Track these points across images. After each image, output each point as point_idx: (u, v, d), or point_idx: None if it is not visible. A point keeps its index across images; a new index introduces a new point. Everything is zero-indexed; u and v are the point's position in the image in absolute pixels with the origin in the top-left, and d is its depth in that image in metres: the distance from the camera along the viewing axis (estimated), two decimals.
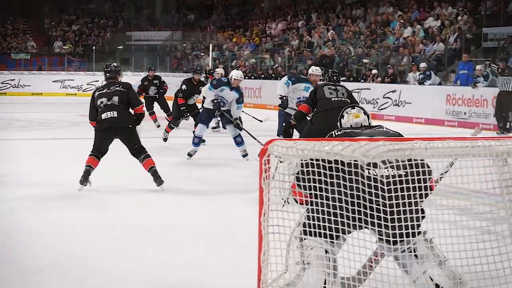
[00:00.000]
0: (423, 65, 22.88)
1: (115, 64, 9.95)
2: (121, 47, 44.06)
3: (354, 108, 5.60)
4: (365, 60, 27.05)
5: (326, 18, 34.55)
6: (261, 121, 15.47)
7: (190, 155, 12.52)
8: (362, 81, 25.56)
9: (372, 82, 24.83)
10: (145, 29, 46.45)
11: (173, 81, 31.98)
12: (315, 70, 12.15)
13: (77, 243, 6.70)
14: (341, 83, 10.50)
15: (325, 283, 4.45)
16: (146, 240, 6.86)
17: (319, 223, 4.40)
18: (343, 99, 9.59)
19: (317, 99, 9.71)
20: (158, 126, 18.37)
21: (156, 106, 18.75)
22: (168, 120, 17.43)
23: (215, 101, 12.36)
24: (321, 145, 3.86)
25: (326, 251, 4.52)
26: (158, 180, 9.18)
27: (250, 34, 38.90)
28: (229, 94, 12.44)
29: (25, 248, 6.53)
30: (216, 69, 19.43)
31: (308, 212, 4.57)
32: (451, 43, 24.74)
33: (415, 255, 4.55)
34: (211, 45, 32.11)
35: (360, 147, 3.76)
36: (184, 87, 15.53)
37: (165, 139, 14.97)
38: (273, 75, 29.53)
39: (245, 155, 12.42)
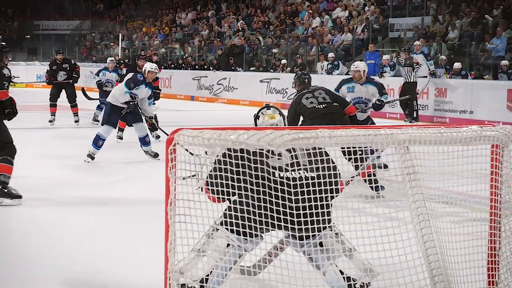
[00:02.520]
0: (331, 55, 23.15)
1: None
2: (28, 36, 43.22)
3: (270, 109, 5.56)
4: (274, 50, 27.20)
5: (235, 8, 34.59)
6: (167, 134, 15.14)
7: (91, 157, 11.08)
8: (272, 71, 25.72)
9: (282, 72, 24.99)
10: (53, 18, 45.66)
11: (83, 71, 31.60)
12: (356, 67, 10.82)
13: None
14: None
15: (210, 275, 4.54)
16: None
17: (231, 220, 4.42)
18: (328, 102, 8.98)
19: (300, 114, 9.02)
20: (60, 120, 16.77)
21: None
22: (73, 113, 16.89)
23: (130, 103, 11.42)
24: (227, 134, 3.87)
25: (228, 245, 4.55)
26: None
27: (160, 24, 38.65)
28: (143, 90, 11.54)
29: None
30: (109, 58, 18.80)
31: (225, 210, 4.60)
32: (359, 33, 25.09)
33: (323, 249, 4.62)
34: (120, 34, 31.84)
35: (265, 136, 3.78)
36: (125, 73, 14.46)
37: (119, 137, 13.44)
38: (183, 65, 29.43)
39: (156, 155, 11.43)
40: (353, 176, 5.36)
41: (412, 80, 18.67)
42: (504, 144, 4.26)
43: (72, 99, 17.13)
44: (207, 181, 4.64)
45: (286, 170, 4.57)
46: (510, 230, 4.48)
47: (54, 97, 17.00)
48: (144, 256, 6.01)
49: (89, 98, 17.12)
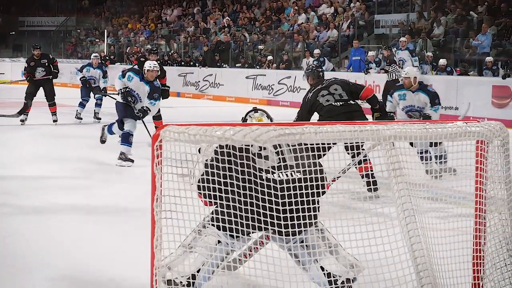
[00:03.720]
0: (317, 51, 23.18)
1: None
2: (13, 32, 43.04)
3: (257, 112, 5.54)
4: (260, 47, 27.21)
5: (221, 4, 34.57)
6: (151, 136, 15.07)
7: (127, 158, 10.55)
8: (258, 67, 25.73)
9: (268, 69, 25.01)
10: (38, 14, 45.50)
11: (68, 67, 31.57)
12: (407, 73, 10.21)
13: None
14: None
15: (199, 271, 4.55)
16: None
17: (222, 216, 4.42)
18: (345, 100, 8.68)
19: (315, 111, 8.67)
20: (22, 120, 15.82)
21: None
22: (51, 112, 16.00)
23: (122, 90, 10.97)
24: (213, 130, 3.87)
25: (219, 242, 4.56)
26: None
27: (146, 20, 38.58)
28: (138, 85, 11.00)
29: None
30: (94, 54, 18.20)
31: (215, 207, 4.60)
32: (344, 29, 25.13)
33: (306, 245, 4.62)
34: (106, 31, 31.75)
35: (251, 131, 3.79)
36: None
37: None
38: (169, 61, 29.39)
39: (129, 161, 10.60)
40: (341, 173, 5.38)
41: (394, 78, 18.75)
42: (488, 140, 4.28)
43: (50, 97, 16.13)
44: (198, 185, 4.64)
45: (273, 172, 4.59)
46: (495, 225, 4.50)
47: (30, 96, 15.87)
48: (134, 254, 6.01)
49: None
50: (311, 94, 8.79)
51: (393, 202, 4.36)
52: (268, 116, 5.43)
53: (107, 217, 7.47)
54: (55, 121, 16.03)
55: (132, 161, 10.48)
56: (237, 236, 4.42)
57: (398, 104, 10.10)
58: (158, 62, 11.67)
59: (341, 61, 24.57)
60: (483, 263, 4.38)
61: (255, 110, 5.53)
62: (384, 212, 4.70)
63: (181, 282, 4.56)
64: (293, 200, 4.35)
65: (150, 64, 11.06)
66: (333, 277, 4.70)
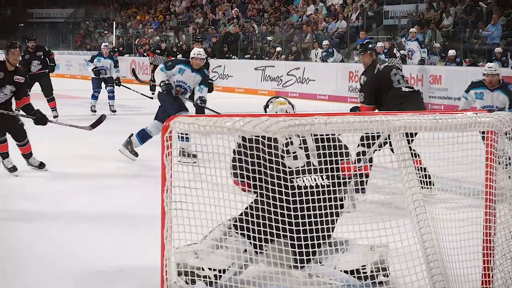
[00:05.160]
0: (325, 42, 23.12)
1: None
2: (22, 24, 43.07)
3: (279, 98, 5.59)
4: (269, 38, 27.17)
5: None
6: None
7: (188, 153, 9.36)
8: (266, 58, 25.70)
9: (276, 60, 24.97)
10: (46, 6, 45.52)
11: (77, 59, 31.62)
12: (495, 69, 8.86)
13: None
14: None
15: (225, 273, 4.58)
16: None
17: (247, 225, 4.42)
18: (412, 87, 8.12)
19: (381, 90, 7.87)
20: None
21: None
22: (50, 108, 14.98)
23: (161, 83, 10.15)
24: (223, 121, 3.88)
25: (245, 250, 4.57)
26: None
27: (154, 12, 38.53)
28: (189, 75, 10.31)
29: None
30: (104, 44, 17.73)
31: (246, 209, 4.61)
32: (353, 20, 25.05)
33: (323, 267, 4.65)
34: (114, 22, 31.73)
35: (261, 122, 3.79)
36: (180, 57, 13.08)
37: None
38: (177, 52, 29.36)
39: (135, 155, 9.96)
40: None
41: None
42: (499, 131, 4.27)
43: (48, 92, 15.32)
44: (231, 172, 4.67)
45: (298, 176, 4.63)
46: (505, 216, 4.49)
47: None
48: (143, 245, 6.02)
49: (140, 81, 16.52)
50: (382, 67, 8.02)
51: (403, 193, 4.35)
52: (290, 102, 5.46)
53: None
54: (55, 116, 14.84)
55: (136, 155, 9.94)
56: (260, 243, 4.41)
57: (474, 102, 9.04)
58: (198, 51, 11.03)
59: (350, 52, 24.50)
60: (493, 253, 4.38)
61: (276, 96, 5.57)
62: (394, 203, 4.70)
63: (208, 276, 4.57)
64: (311, 212, 4.35)
65: (195, 52, 10.50)
66: (355, 273, 4.69)
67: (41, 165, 9.13)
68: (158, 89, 10.81)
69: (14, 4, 46.04)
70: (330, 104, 20.25)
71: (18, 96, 8.81)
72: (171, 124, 4.07)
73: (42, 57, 15.30)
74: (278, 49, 25.43)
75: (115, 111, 16.73)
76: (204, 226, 4.33)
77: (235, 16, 30.67)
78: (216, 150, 4.17)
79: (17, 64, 8.90)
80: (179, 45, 30.26)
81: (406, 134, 4.22)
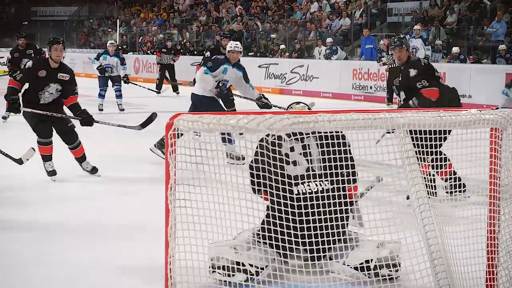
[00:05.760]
0: (329, 40, 23.10)
1: None
2: (26, 22, 43.07)
3: (299, 104, 5.64)
4: (273, 35, 27.15)
5: None
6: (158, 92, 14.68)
7: (233, 156, 9.06)
8: (270, 56, 25.69)
9: (280, 57, 24.95)
10: (50, 4, 45.52)
11: (80, 57, 31.62)
12: None
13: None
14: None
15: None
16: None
17: (270, 234, 4.46)
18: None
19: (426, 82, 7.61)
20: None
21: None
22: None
23: (220, 83, 9.73)
24: (227, 119, 3.88)
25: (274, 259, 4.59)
26: None
27: (158, 10, 38.52)
28: (231, 73, 9.86)
29: None
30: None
31: (267, 217, 4.68)
32: (357, 18, 25.04)
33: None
34: (118, 20, 31.72)
35: (265, 120, 3.78)
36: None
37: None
38: (181, 50, 29.36)
39: (241, 158, 8.96)
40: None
41: (395, 65, 18.76)
42: (503, 128, 4.27)
43: None
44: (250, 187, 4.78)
45: (303, 182, 4.68)
46: (509, 213, 4.49)
47: (13, 91, 13.58)
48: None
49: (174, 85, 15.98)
50: (426, 61, 7.95)
51: (407, 190, 4.35)
52: (309, 109, 5.49)
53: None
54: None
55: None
56: (284, 252, 4.42)
57: None
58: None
59: (354, 50, 24.49)
60: (497, 250, 4.37)
61: (297, 102, 5.59)
62: (398, 200, 4.70)
63: (249, 271, 4.65)
64: (316, 217, 4.38)
65: (232, 45, 9.98)
66: (367, 265, 4.71)
67: (94, 170, 8.78)
68: (191, 90, 10.25)
69: (18, 2, 46.02)
70: (336, 102, 20.22)
71: (64, 94, 8.50)
72: (175, 122, 4.07)
73: (33, 55, 14.57)
74: (282, 46, 25.42)
75: (123, 109, 16.65)
76: (208, 224, 4.33)
77: (238, 14, 30.66)
78: (220, 147, 4.18)
79: (61, 61, 8.58)
80: (182, 43, 30.28)
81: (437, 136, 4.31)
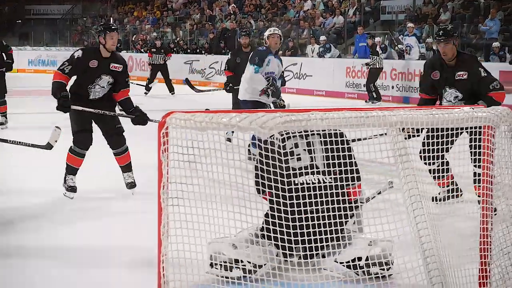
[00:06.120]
0: (323, 38, 23.10)
1: None
2: (19, 21, 43.01)
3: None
4: None
5: None
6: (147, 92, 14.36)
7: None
8: None
9: None
10: (44, 2, 45.45)
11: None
12: None
13: None
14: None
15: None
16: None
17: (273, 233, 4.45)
18: None
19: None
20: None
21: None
22: (0, 113, 13.00)
23: (270, 84, 8.82)
24: (219, 117, 3.87)
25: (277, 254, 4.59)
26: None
27: (151, 8, 38.49)
28: (274, 63, 9.03)
29: None
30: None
31: (267, 217, 4.72)
32: (350, 16, 25.03)
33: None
34: (111, 19, 31.67)
35: (258, 118, 3.78)
36: (231, 57, 11.89)
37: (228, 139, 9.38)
38: (175, 49, 29.35)
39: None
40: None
41: (378, 66, 18.88)
42: (495, 125, 4.27)
43: (0, 94, 13.00)
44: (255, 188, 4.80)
45: (305, 173, 4.71)
46: (502, 210, 4.49)
47: (61, 86, 11.01)
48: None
49: (196, 90, 15.18)
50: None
51: (399, 188, 4.35)
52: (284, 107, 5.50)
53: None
54: (1, 123, 13.01)
55: None
56: (284, 251, 4.42)
57: None
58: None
59: (348, 48, 24.49)
60: (490, 248, 4.37)
61: None
62: (391, 198, 4.70)
63: (246, 268, 4.69)
64: (314, 207, 4.39)
65: (271, 29, 9.25)
66: (358, 263, 4.72)
67: (131, 185, 7.69)
68: (183, 88, 9.51)
69: (12, 1, 45.94)
70: (329, 100, 20.21)
71: (116, 87, 7.53)
72: (168, 120, 4.06)
73: None
74: None
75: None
76: (201, 222, 4.33)
77: (232, 12, 30.64)
78: (212, 146, 4.17)
79: (114, 50, 7.59)
80: (176, 41, 30.26)
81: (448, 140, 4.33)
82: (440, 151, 4.49)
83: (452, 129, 4.37)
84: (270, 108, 8.89)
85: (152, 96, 20.51)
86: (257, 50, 9.24)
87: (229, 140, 9.07)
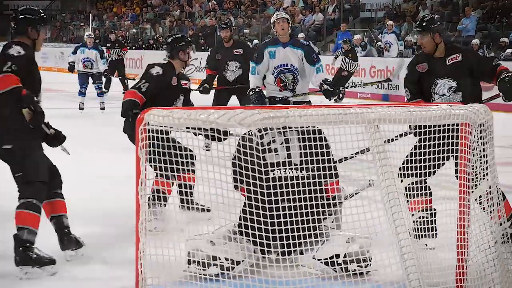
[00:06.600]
0: (301, 35, 23.09)
1: None
2: None
3: None
4: (246, 31, 27.13)
5: None
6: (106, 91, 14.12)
7: None
8: None
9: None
10: None
11: (52, 51, 31.40)
12: None
13: None
14: None
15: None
16: None
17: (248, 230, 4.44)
18: None
19: None
20: None
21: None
22: None
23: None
24: (197, 113, 3.87)
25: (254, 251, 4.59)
26: None
27: (131, 4, 38.41)
28: (286, 53, 7.88)
29: None
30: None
31: (243, 213, 4.75)
32: (330, 13, 25.09)
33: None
34: (90, 15, 31.53)
35: (236, 115, 3.78)
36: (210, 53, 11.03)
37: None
38: (154, 45, 29.30)
39: None
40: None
41: (349, 70, 18.97)
42: (473, 123, 4.29)
43: None
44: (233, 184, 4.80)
45: (281, 168, 4.72)
46: (479, 208, 4.51)
47: (134, 104, 8.43)
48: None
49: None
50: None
51: (377, 185, 4.36)
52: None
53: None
54: None
55: None
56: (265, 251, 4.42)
57: None
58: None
59: (327, 45, 24.53)
60: (467, 245, 4.39)
61: None
62: (368, 195, 4.71)
63: (223, 265, 4.68)
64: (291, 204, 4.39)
65: (277, 13, 8.22)
66: (336, 260, 4.73)
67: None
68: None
69: None
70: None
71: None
72: (146, 116, 4.05)
73: None
74: (255, 41, 25.40)
75: (104, 108, 15.67)
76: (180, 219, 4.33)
77: (211, 9, 30.62)
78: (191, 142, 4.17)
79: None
80: (155, 37, 30.20)
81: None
82: (422, 169, 4.51)
83: (439, 151, 4.38)
84: (290, 103, 7.72)
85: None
86: (262, 44, 8.38)
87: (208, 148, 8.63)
